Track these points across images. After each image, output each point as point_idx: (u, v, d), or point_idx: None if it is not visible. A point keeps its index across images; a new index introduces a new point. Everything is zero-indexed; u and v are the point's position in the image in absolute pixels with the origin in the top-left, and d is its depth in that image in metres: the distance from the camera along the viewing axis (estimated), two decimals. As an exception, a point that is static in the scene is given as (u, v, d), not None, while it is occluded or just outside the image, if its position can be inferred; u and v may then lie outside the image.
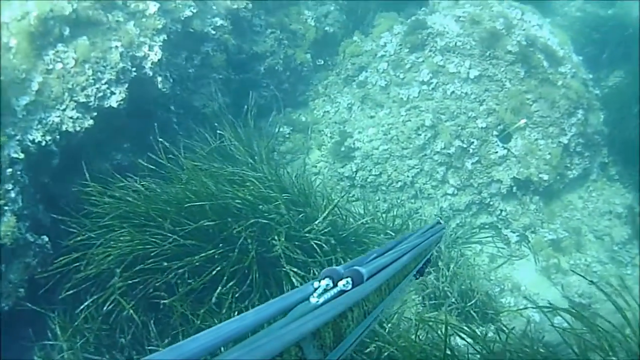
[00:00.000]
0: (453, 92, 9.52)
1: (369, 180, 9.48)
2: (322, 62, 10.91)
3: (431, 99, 9.57)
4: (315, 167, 9.79)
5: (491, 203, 9.39)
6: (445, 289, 7.19)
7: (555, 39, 10.33)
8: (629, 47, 11.11)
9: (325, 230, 6.20)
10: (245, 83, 9.40)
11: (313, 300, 1.20)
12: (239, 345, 0.86)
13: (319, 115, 10.35)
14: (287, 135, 10.06)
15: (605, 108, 10.26)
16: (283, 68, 10.29)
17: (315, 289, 1.26)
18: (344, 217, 7.12)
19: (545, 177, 9.30)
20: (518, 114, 9.43)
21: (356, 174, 9.53)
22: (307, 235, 6.01)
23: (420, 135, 9.36)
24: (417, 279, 2.25)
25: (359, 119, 9.95)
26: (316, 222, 6.15)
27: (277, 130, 9.96)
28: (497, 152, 9.39)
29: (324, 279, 1.30)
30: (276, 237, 5.78)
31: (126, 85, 7.07)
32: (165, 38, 7.62)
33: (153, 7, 7.41)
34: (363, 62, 10.40)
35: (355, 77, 10.36)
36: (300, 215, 6.24)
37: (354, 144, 9.64)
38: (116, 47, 7.02)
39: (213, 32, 8.69)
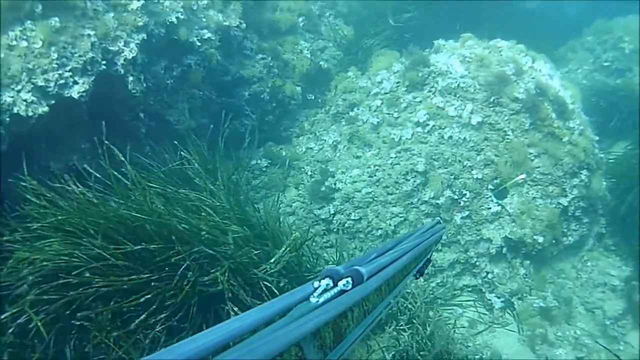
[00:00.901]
0: (450, 137, 8.61)
1: (346, 225, 8.53)
2: (313, 98, 10.22)
3: (425, 142, 8.66)
4: (290, 206, 8.87)
5: (477, 264, 8.38)
6: (420, 353, 6.23)
7: (566, 91, 9.49)
8: (631, 118, 10.57)
9: (280, 271, 5.43)
10: (226, 107, 8.45)
11: (313, 300, 1.19)
12: (239, 345, 0.86)
13: (301, 151, 9.51)
14: (264, 169, 9.20)
15: (609, 177, 9.45)
16: (269, 97, 9.59)
17: (316, 289, 1.25)
18: (314, 259, 6.36)
19: (541, 239, 8.30)
20: (518, 169, 8.51)
21: (334, 217, 8.60)
22: (256, 274, 5.20)
23: (408, 180, 8.43)
24: (417, 278, 2.21)
25: (343, 159, 9.06)
26: (271, 261, 5.33)
27: (253, 162, 9.13)
28: (490, 207, 8.43)
29: (324, 278, 1.29)
30: (220, 271, 4.98)
31: (92, 78, 6.41)
32: (145, 38, 7.03)
33: (136, 3, 6.91)
34: (355, 99, 9.58)
35: (345, 114, 9.54)
36: (257, 252, 5.41)
37: (334, 184, 8.73)
38: (89, 35, 6.43)
39: (199, 44, 8.00)
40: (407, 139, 8.71)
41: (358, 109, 9.48)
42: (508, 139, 8.64)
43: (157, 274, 4.82)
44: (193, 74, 8.17)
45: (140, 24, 6.92)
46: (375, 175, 8.62)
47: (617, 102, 10.93)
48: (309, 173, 9.10)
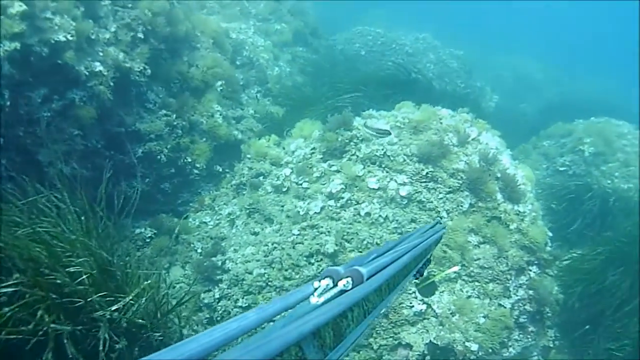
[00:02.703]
0: (368, 214, 6.69)
1: (232, 313, 6.59)
2: (220, 170, 8.38)
3: (337, 219, 6.75)
4: (174, 287, 6.76)
5: (392, 376, 6.21)
6: None
7: (517, 170, 7.54)
8: (597, 221, 9.12)
9: (128, 329, 4.32)
10: (114, 162, 6.95)
11: (313, 300, 1.11)
12: (239, 345, 0.80)
13: (194, 225, 7.69)
14: (148, 240, 7.40)
15: (564, 280, 7.48)
16: (167, 160, 7.81)
17: (316, 289, 1.15)
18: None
19: (474, 347, 6.15)
20: (451, 259, 6.57)
21: (218, 302, 6.71)
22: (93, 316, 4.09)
23: (312, 264, 6.55)
24: (416, 279, 2.10)
25: (239, 235, 7.24)
26: (111, 308, 4.14)
27: (137, 231, 7.41)
28: (412, 305, 6.35)
29: (324, 278, 1.19)
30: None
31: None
32: (18, 48, 5.83)
33: (18, 7, 5.83)
34: (264, 168, 7.78)
35: (248, 184, 7.74)
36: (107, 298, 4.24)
37: (223, 263, 6.91)
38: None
39: (86, 74, 6.61)
40: (315, 213, 6.85)
41: (264, 179, 7.64)
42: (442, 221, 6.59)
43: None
44: (78, 111, 6.65)
45: (17, 30, 5.81)
46: (271, 255, 6.70)
47: (581, 204, 9.43)
48: (199, 250, 7.29)
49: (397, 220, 6.61)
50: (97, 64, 6.73)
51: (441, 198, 6.80)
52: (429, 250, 2.27)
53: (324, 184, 6.97)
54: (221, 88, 8.77)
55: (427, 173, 6.87)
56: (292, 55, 12.02)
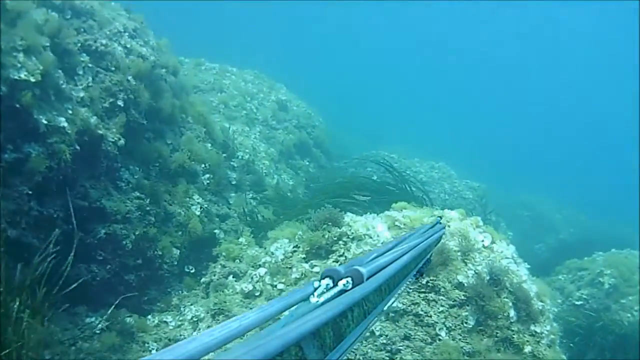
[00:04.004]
0: None
1: None
2: (193, 270, 7.17)
3: None
4: None
5: None
6: None
7: (533, 285, 6.13)
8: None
9: None
10: (70, 240, 5.65)
11: (313, 300, 1.08)
12: (239, 344, 0.77)
13: (152, 324, 6.43)
14: (98, 332, 6.12)
15: None
16: (134, 249, 6.60)
17: (316, 289, 1.13)
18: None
19: None
20: (449, 386, 5.02)
21: None
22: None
23: None
24: (417, 279, 2.08)
25: None
26: None
27: (88, 320, 6.21)
28: None
29: (324, 278, 1.18)
30: None
31: None
32: None
33: None
34: (239, 268, 6.60)
35: (218, 285, 6.48)
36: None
37: None
38: None
39: (46, 125, 5.64)
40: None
41: (236, 278, 6.48)
42: (440, 340, 5.35)
43: None
44: (32, 165, 5.54)
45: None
46: (228, 363, 5.15)
47: (592, 335, 8.63)
48: (154, 352, 5.73)
49: (386, 335, 5.24)
50: (62, 119, 5.86)
51: (442, 312, 5.43)
52: (429, 250, 2.20)
53: (301, 287, 5.66)
54: (208, 181, 7.82)
55: (426, 282, 5.54)
56: (295, 166, 11.26)
